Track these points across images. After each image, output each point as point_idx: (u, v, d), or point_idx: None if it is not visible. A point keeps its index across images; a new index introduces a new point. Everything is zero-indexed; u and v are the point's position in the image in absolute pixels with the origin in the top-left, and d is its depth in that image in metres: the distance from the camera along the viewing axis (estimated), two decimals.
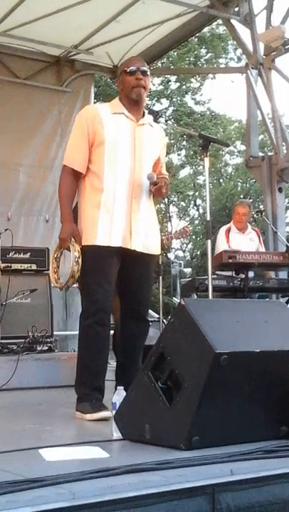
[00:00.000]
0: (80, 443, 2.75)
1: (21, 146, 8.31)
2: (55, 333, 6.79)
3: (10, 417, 3.83)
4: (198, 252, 23.63)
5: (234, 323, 2.72)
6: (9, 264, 6.39)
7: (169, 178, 4.05)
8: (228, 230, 6.80)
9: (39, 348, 5.86)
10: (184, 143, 22.95)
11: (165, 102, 21.71)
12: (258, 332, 2.74)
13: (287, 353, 2.70)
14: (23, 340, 5.89)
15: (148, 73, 3.78)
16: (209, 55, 20.61)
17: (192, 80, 21.57)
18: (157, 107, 19.76)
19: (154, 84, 19.33)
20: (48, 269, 6.79)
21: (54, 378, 5.19)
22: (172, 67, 18.77)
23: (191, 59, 19.91)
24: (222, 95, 32.35)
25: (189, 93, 22.03)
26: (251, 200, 22.75)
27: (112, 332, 4.71)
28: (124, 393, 2.91)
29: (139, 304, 3.83)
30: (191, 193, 24.78)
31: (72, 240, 3.63)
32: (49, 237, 8.04)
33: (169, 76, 20.49)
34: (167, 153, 3.82)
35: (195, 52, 20.06)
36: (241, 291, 6.06)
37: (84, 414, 3.47)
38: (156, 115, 3.98)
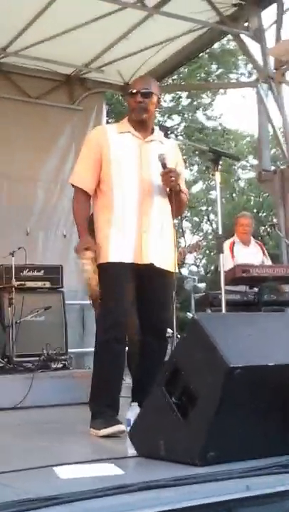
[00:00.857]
0: (94, 460, 2.73)
1: (37, 163, 8.38)
2: (71, 350, 6.81)
3: (24, 434, 3.82)
4: (212, 267, 23.57)
5: (248, 337, 2.70)
6: (23, 282, 6.41)
7: (187, 194, 4.05)
8: (232, 244, 6.77)
9: (54, 366, 5.85)
10: (196, 158, 22.97)
11: (176, 118, 21.77)
12: (272, 345, 2.72)
13: None
14: (37, 358, 5.89)
15: (152, 93, 3.79)
16: (220, 70, 20.65)
17: (203, 95, 21.62)
18: (169, 123, 19.80)
19: (165, 101, 19.36)
20: (62, 287, 6.82)
21: (69, 396, 5.17)
22: (183, 83, 18.83)
23: (202, 75, 19.95)
24: (233, 110, 32.41)
25: (200, 109, 22.08)
26: (264, 214, 22.72)
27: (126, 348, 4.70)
28: (138, 409, 2.89)
29: (159, 321, 3.82)
30: (204, 208, 24.76)
31: (87, 252, 3.64)
32: (66, 252, 8.07)
33: (180, 92, 20.56)
34: None
35: (206, 68, 20.11)
36: (255, 305, 6.02)
37: (97, 430, 3.46)
38: (166, 131, 3.99)
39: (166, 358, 3.78)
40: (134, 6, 7.30)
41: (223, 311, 3.87)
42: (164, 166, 3.74)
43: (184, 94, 21.01)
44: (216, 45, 17.34)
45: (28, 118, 8.27)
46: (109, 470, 2.52)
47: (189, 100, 21.61)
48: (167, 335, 7.02)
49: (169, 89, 13.61)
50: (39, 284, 6.68)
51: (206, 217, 25.15)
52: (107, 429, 3.41)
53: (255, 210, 22.07)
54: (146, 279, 3.69)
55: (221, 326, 2.73)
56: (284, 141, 8.00)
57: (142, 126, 3.82)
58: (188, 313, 8.72)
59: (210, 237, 24.37)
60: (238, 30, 7.93)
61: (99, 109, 9.13)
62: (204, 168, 22.65)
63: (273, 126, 8.10)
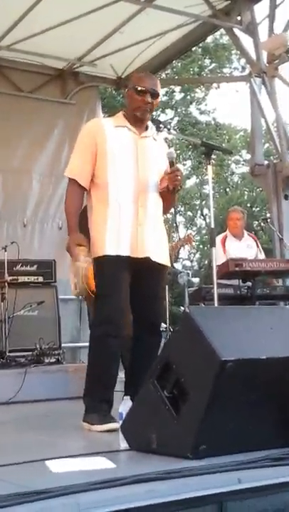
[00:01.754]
0: (86, 454, 2.73)
1: (32, 157, 8.39)
2: (67, 344, 6.81)
3: (17, 429, 3.83)
4: (206, 262, 23.59)
5: (240, 331, 2.71)
6: (16, 277, 6.41)
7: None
8: (224, 239, 6.79)
9: (47, 361, 5.85)
10: (189, 153, 22.98)
11: (170, 113, 21.76)
12: (264, 339, 2.72)
13: None
14: (30, 353, 5.89)
15: (158, 95, 3.81)
16: (213, 65, 20.66)
17: (197, 90, 21.62)
18: (162, 118, 19.79)
19: None
20: (54, 281, 6.81)
21: (62, 390, 5.18)
22: (176, 77, 18.82)
23: (195, 69, 19.95)
24: (227, 105, 32.40)
25: (194, 103, 22.08)
26: (258, 208, 22.75)
27: None
28: (130, 403, 2.89)
29: (155, 316, 3.82)
30: (197, 202, 24.78)
31: (80, 248, 3.63)
32: (62, 244, 8.06)
33: (173, 87, 20.55)
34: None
35: (199, 63, 20.11)
36: (248, 299, 6.04)
37: (91, 425, 3.45)
38: (158, 124, 3.98)
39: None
40: (126, 0, 7.27)
41: (216, 304, 3.87)
42: (172, 164, 3.74)
43: (178, 88, 21.00)
44: (209, 40, 17.39)
45: (21, 112, 8.25)
46: (101, 463, 2.52)
47: (183, 95, 21.60)
48: (161, 329, 7.04)
49: (162, 83, 13.52)
50: (32, 278, 6.68)
51: (199, 212, 25.17)
52: (101, 426, 3.40)
53: (248, 205, 22.10)
54: (142, 273, 3.67)
55: (212, 319, 2.73)
56: (277, 136, 8.00)
57: (140, 122, 3.81)
58: (181, 308, 8.73)
59: (204, 231, 24.40)
60: (230, 24, 7.92)
61: (93, 104, 9.10)
62: (198, 162, 22.67)
63: (266, 121, 8.10)
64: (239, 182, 24.95)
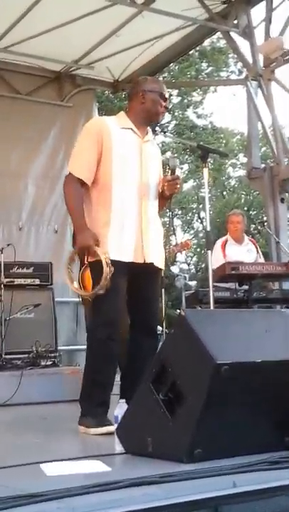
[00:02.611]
0: (81, 457, 2.72)
1: (28, 159, 8.37)
2: (63, 347, 6.80)
3: (12, 432, 3.81)
4: (203, 265, 23.59)
5: (235, 334, 2.70)
6: (12, 279, 6.40)
7: None
8: (225, 243, 6.79)
9: (43, 363, 5.84)
10: (186, 157, 22.99)
11: (167, 116, 21.78)
12: (260, 342, 2.72)
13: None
14: (26, 355, 5.88)
15: None
16: (210, 68, 20.69)
17: (194, 94, 21.65)
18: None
19: None
20: (51, 284, 6.80)
21: (58, 393, 5.16)
22: (173, 81, 18.83)
23: (193, 73, 19.98)
24: (224, 109, 32.45)
25: (191, 107, 22.10)
26: (255, 212, 22.75)
27: None
28: (125, 406, 2.88)
29: (151, 318, 3.83)
30: (194, 206, 24.80)
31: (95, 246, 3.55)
32: (59, 247, 8.09)
33: (170, 90, 20.57)
34: None
35: (196, 66, 20.13)
36: (245, 303, 6.04)
37: (87, 428, 3.44)
38: (154, 128, 3.98)
39: None
40: (123, 3, 7.29)
41: (212, 307, 3.86)
42: (173, 171, 3.73)
43: (175, 92, 21.02)
44: (206, 43, 17.39)
45: (18, 115, 8.26)
46: (96, 467, 2.51)
47: (180, 98, 21.62)
48: (158, 332, 7.02)
49: None
50: (28, 281, 6.66)
51: (196, 215, 25.18)
52: (97, 429, 3.38)
53: (245, 208, 22.11)
54: (140, 277, 3.67)
55: (208, 322, 2.72)
56: (273, 139, 8.00)
57: (144, 125, 3.80)
58: (178, 311, 8.73)
59: (200, 234, 24.41)
60: (227, 28, 7.93)
61: (89, 106, 9.10)
62: (195, 166, 22.68)
63: (263, 124, 8.11)
64: (236, 186, 24.97)
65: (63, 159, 8.19)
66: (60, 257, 7.34)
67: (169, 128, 21.32)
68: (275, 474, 2.33)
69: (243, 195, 24.57)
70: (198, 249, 24.16)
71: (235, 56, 13.58)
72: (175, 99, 21.62)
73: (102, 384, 3.59)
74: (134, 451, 2.74)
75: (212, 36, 10.83)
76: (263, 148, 14.40)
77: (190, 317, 2.64)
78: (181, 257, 7.15)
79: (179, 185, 3.76)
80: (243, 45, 8.11)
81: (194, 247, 23.75)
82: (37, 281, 6.73)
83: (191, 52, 15.05)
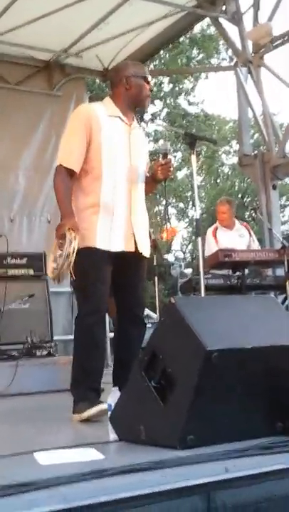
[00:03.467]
0: (75, 445, 2.74)
1: (18, 150, 8.31)
2: (59, 337, 6.79)
3: (7, 421, 3.82)
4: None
5: (225, 320, 2.71)
6: (5, 270, 6.39)
7: None
8: (216, 230, 6.82)
9: (38, 353, 5.85)
10: (179, 145, 22.94)
11: (158, 104, 21.71)
12: (250, 328, 2.72)
13: (279, 348, 2.68)
14: (22, 345, 5.88)
15: None
16: (201, 55, 20.60)
17: (185, 81, 21.57)
18: (151, 109, 19.75)
19: None
20: (45, 274, 6.78)
21: (53, 383, 5.17)
22: (165, 68, 18.79)
23: (183, 60, 19.90)
24: (216, 96, 32.37)
25: (183, 94, 22.03)
26: (249, 199, 22.74)
27: (111, 334, 4.70)
28: (118, 394, 2.89)
29: (137, 305, 3.83)
30: (188, 194, 24.76)
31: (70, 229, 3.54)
32: (52, 237, 8.01)
33: (161, 78, 20.49)
34: None
35: (187, 54, 20.05)
36: (238, 290, 6.05)
37: (81, 413, 3.45)
38: (142, 114, 3.98)
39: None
40: None
41: (202, 294, 3.88)
42: (165, 155, 3.73)
43: (166, 79, 20.95)
44: (196, 30, 17.33)
45: (6, 104, 8.19)
46: (90, 455, 2.52)
47: (171, 86, 21.55)
48: (152, 321, 7.04)
49: (150, 74, 13.48)
50: (22, 271, 6.64)
51: (191, 203, 25.14)
52: (91, 410, 3.39)
53: (239, 195, 22.11)
54: (127, 266, 3.68)
55: (198, 309, 2.73)
56: (264, 126, 7.99)
57: (131, 112, 3.79)
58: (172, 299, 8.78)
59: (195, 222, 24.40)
60: (215, 14, 7.90)
61: (79, 96, 9.04)
62: (188, 154, 22.64)
63: (253, 111, 8.09)
64: (230, 173, 24.93)
65: (54, 149, 8.13)
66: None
67: (161, 116, 21.26)
68: (267, 459, 2.35)
69: (236, 183, 24.55)
70: (194, 237, 24.16)
71: (226, 43, 13.53)
72: (166, 87, 21.55)
73: (91, 371, 3.60)
74: (127, 439, 2.75)
75: (202, 23, 10.82)
76: (256, 135, 14.41)
77: (180, 304, 2.65)
78: (176, 245, 7.18)
79: (171, 169, 3.74)
80: (232, 31, 8.10)
81: (189, 235, 23.78)
82: (31, 272, 6.70)
83: (181, 40, 15.01)
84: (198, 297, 4.01)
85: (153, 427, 2.62)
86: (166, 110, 21.95)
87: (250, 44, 7.90)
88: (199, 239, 3.89)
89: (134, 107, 3.78)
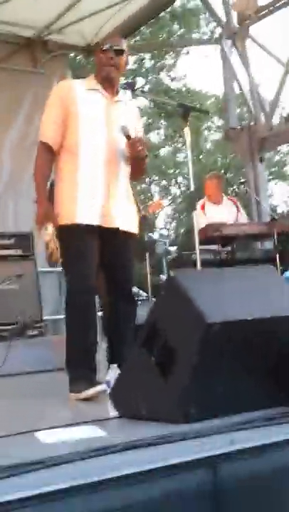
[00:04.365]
0: (75, 423, 2.71)
1: (2, 129, 8.17)
2: (49, 317, 6.75)
3: (3, 401, 3.78)
4: (183, 230, 23.59)
5: (225, 293, 2.68)
6: None
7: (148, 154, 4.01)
8: (204, 205, 6.81)
9: (29, 333, 5.81)
10: (162, 121, 22.85)
11: (141, 81, 21.57)
12: (250, 299, 2.70)
13: (281, 319, 2.66)
14: (12, 326, 5.84)
15: (123, 52, 3.74)
16: (182, 30, 20.45)
17: (166, 57, 21.43)
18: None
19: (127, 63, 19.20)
20: (33, 254, 6.73)
21: (46, 362, 5.14)
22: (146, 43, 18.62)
23: (164, 36, 19.75)
24: (197, 71, 32.20)
25: (164, 70, 21.90)
26: (232, 174, 22.71)
27: (100, 313, 4.68)
28: (117, 370, 2.87)
29: (126, 282, 3.81)
30: (171, 171, 24.69)
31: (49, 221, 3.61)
32: None
33: (143, 54, 20.34)
34: (146, 133, 3.84)
35: (168, 29, 19.90)
36: (228, 264, 6.03)
37: (78, 393, 3.42)
38: (133, 88, 3.93)
39: (137, 319, 3.79)
40: None
41: (198, 268, 3.85)
42: (128, 137, 3.68)
43: (148, 55, 20.81)
44: (177, 4, 17.17)
45: None
46: (91, 432, 2.49)
47: (153, 62, 21.41)
48: (142, 298, 7.02)
49: (131, 50, 13.36)
50: (10, 251, 6.58)
51: (174, 180, 25.09)
52: (88, 391, 3.37)
53: (222, 171, 22.07)
54: (110, 242, 3.66)
55: (197, 282, 2.70)
56: (250, 98, 7.94)
57: (110, 85, 3.75)
58: (161, 276, 8.75)
59: (179, 200, 24.37)
60: None
61: (62, 73, 8.89)
62: (172, 131, 22.54)
63: (239, 83, 8.04)
64: (212, 149, 24.87)
65: (37, 128, 8.00)
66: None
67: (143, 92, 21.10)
68: (272, 430, 2.34)
69: (219, 159, 24.50)
70: (176, 214, 24.15)
71: (207, 17, 13.43)
72: (148, 63, 21.40)
73: (84, 349, 3.58)
74: (128, 415, 2.72)
75: None
76: (238, 110, 14.35)
77: (180, 278, 2.63)
78: (160, 222, 7.19)
79: (141, 147, 3.67)
80: (216, 3, 8.02)
81: (172, 212, 23.78)
82: (19, 252, 6.64)
83: (162, 15, 14.85)
84: (197, 271, 3.98)
85: (154, 402, 2.60)
86: (148, 86, 21.82)
87: (234, 16, 7.83)
88: (194, 212, 3.84)
89: (106, 80, 3.74)
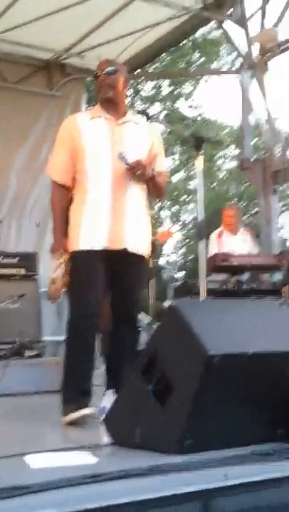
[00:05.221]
0: (67, 449, 2.66)
1: (11, 150, 8.20)
2: (47, 338, 6.71)
3: None
4: (192, 256, 23.56)
5: (227, 324, 2.64)
6: None
7: (167, 174, 3.99)
8: (220, 234, 6.91)
9: (27, 354, 5.77)
10: (177, 147, 22.92)
11: (158, 106, 21.67)
12: (252, 333, 2.65)
13: (281, 354, 2.61)
14: (11, 345, 5.80)
15: (116, 71, 3.75)
16: (202, 59, 20.57)
17: (185, 84, 21.54)
18: (150, 111, 19.71)
19: (144, 90, 19.42)
20: (37, 274, 6.71)
21: (43, 384, 5.07)
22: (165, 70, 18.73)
23: (184, 64, 19.87)
24: (214, 101, 32.35)
25: (182, 98, 22.00)
26: (245, 203, 22.72)
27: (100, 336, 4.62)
28: (113, 396, 2.82)
29: (131, 307, 3.77)
30: (182, 198, 24.72)
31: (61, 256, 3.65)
32: (40, 241, 7.96)
33: (161, 81, 20.45)
34: None
35: (187, 58, 20.02)
36: (235, 295, 5.99)
37: (65, 416, 3.40)
38: (147, 116, 3.92)
39: (140, 346, 3.75)
40: None
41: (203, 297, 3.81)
42: (126, 163, 3.66)
43: (166, 82, 20.91)
44: (198, 34, 17.30)
45: (4, 103, 8.11)
46: (82, 458, 2.45)
47: (171, 89, 21.53)
48: (145, 322, 6.97)
49: (150, 76, 13.49)
50: (13, 271, 6.55)
51: (185, 207, 25.11)
52: (73, 414, 3.34)
53: (236, 199, 22.08)
54: (119, 265, 3.61)
55: (199, 312, 2.67)
56: (266, 130, 7.97)
57: (113, 107, 3.74)
58: (164, 303, 8.74)
59: (190, 226, 24.38)
60: (221, 17, 7.85)
61: (77, 96, 8.96)
62: (187, 156, 22.59)
63: (256, 115, 8.07)
64: (226, 178, 24.92)
65: (48, 151, 8.02)
66: (42, 250, 7.24)
67: (160, 118, 21.19)
68: (267, 467, 2.28)
69: (233, 187, 24.53)
70: (187, 240, 24.14)
71: (228, 48, 13.49)
72: (166, 90, 21.51)
73: (80, 374, 3.55)
74: (122, 443, 2.68)
75: (203, 28, 10.76)
76: (254, 140, 14.39)
77: (181, 307, 2.59)
78: (168, 249, 7.25)
79: (140, 172, 3.62)
80: (237, 36, 8.07)
81: (183, 237, 23.78)
82: (22, 272, 6.61)
83: (183, 43, 14.95)
84: (199, 300, 3.93)
85: (149, 431, 2.55)
86: (164, 113, 21.92)
87: (255, 48, 7.88)
88: (200, 242, 3.81)
89: (106, 103, 3.75)
